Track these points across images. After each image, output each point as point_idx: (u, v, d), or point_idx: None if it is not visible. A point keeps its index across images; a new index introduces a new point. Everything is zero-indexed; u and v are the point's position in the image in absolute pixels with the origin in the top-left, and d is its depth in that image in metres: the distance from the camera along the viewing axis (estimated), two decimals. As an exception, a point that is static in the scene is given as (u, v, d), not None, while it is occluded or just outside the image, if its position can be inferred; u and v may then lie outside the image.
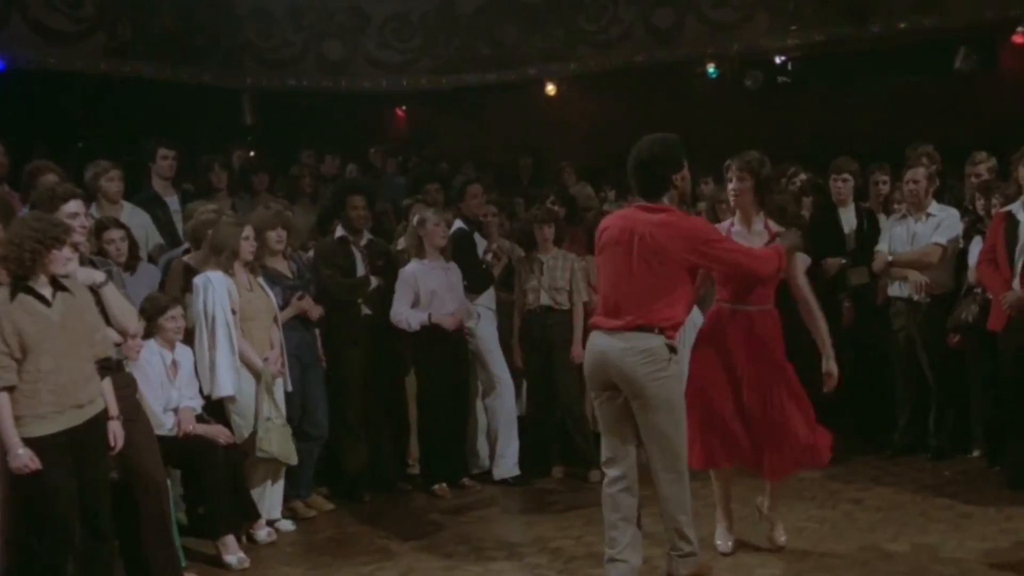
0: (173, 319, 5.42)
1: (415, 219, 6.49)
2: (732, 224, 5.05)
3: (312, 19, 10.28)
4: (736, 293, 4.87)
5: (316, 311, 6.19)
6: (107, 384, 4.60)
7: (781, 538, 5.13)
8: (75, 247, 4.56)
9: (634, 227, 4.42)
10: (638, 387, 4.35)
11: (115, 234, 5.73)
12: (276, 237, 6.09)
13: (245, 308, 5.68)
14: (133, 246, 5.89)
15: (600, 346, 4.46)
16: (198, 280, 5.62)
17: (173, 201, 7.22)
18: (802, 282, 4.96)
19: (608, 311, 4.48)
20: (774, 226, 4.99)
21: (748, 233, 4.94)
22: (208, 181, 7.56)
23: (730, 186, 4.99)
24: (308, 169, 8.58)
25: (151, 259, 6.43)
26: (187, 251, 6.18)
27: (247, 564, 5.37)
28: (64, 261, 4.34)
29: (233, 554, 5.36)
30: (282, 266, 6.20)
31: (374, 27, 10.48)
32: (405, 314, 6.34)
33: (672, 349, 4.38)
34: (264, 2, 10.07)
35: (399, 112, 11.96)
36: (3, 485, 4.29)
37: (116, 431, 4.61)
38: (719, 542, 5.10)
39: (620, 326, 4.38)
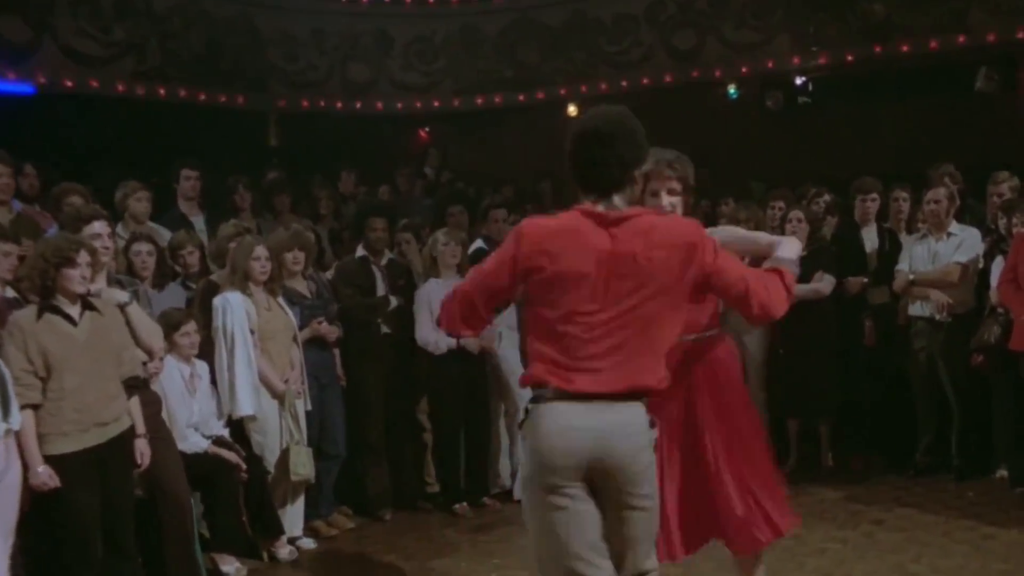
0: (187, 335, 5.47)
1: (430, 240, 6.60)
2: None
3: (337, 42, 10.40)
4: None
5: (333, 334, 6.25)
6: (135, 402, 4.68)
7: None
8: (101, 266, 4.64)
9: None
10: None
11: (143, 247, 5.80)
12: (293, 258, 6.14)
13: (264, 328, 5.75)
14: (162, 263, 5.97)
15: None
16: (216, 301, 5.68)
17: (199, 221, 7.34)
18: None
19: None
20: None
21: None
22: (232, 202, 7.68)
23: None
24: (325, 191, 8.67)
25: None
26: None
27: (244, 573, 5.48)
28: (79, 280, 4.39)
29: (229, 564, 5.45)
30: (301, 286, 6.26)
31: (398, 49, 10.58)
32: (433, 337, 6.38)
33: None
34: (290, 26, 10.20)
35: (422, 133, 12.05)
36: (25, 501, 4.35)
37: (143, 449, 4.69)
38: None
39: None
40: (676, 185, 3.74)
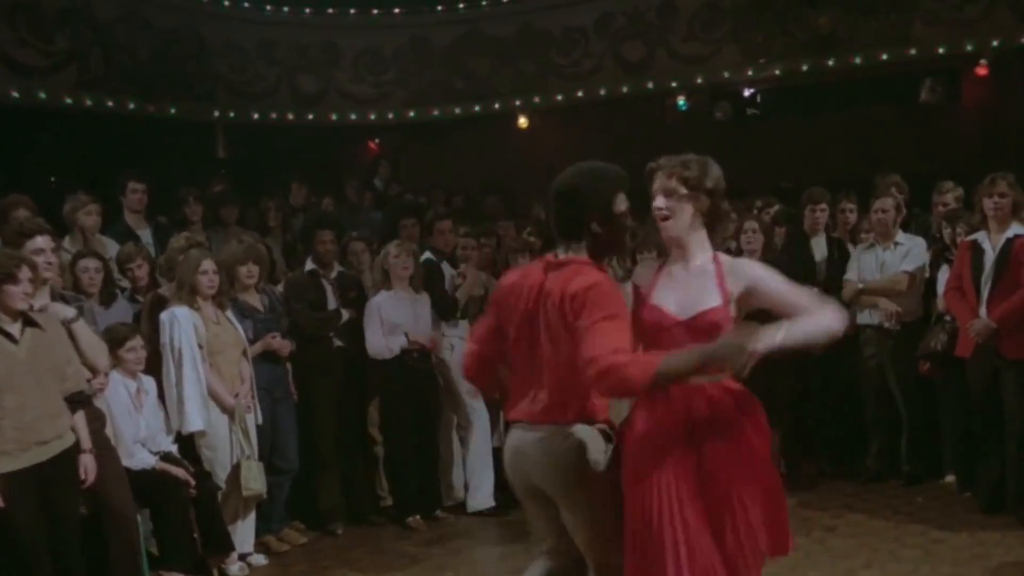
0: (132, 350, 5.39)
1: (381, 252, 6.56)
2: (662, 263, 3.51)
3: (285, 53, 10.32)
4: None
5: (286, 348, 6.18)
6: (80, 418, 4.58)
7: None
8: (44, 282, 4.53)
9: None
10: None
11: (90, 264, 5.69)
12: (247, 272, 6.07)
13: (212, 342, 5.67)
14: (109, 279, 5.86)
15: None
16: (163, 316, 5.60)
17: (145, 234, 7.21)
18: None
19: None
20: (726, 261, 3.45)
21: (687, 273, 3.38)
22: (183, 214, 7.57)
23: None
24: (274, 203, 8.59)
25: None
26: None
27: None
28: (21, 297, 4.29)
29: None
30: (254, 300, 6.18)
31: (347, 61, 10.53)
32: (382, 343, 6.35)
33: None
34: (237, 36, 10.10)
35: (372, 145, 11.99)
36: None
37: (88, 464, 4.59)
38: None
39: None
40: (673, 185, 3.30)
